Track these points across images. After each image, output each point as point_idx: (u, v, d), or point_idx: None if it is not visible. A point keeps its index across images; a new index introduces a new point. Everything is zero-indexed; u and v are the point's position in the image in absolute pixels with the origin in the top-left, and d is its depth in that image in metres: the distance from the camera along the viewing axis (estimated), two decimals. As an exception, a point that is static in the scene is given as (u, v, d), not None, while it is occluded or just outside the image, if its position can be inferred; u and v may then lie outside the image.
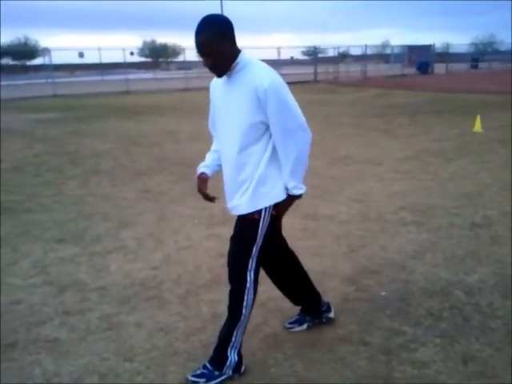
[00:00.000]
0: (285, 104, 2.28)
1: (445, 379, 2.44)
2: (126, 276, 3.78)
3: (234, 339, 2.51)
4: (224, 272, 3.79)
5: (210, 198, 2.64)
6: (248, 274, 2.48)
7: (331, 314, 2.98)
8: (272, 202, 2.42)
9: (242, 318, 2.50)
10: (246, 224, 2.46)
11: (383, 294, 3.33)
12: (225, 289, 3.49)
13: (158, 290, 3.53)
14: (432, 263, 3.79)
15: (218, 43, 2.21)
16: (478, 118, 9.91)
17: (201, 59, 2.29)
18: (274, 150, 2.37)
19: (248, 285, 2.48)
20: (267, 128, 2.34)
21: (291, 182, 2.40)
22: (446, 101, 15.98)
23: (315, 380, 2.49)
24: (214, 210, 5.19)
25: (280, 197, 2.43)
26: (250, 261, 2.47)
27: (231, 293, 2.55)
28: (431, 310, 3.09)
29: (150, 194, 6.07)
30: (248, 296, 2.49)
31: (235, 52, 2.29)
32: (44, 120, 13.65)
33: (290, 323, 2.96)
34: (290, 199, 2.47)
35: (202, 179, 2.63)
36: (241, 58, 2.31)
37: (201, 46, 2.23)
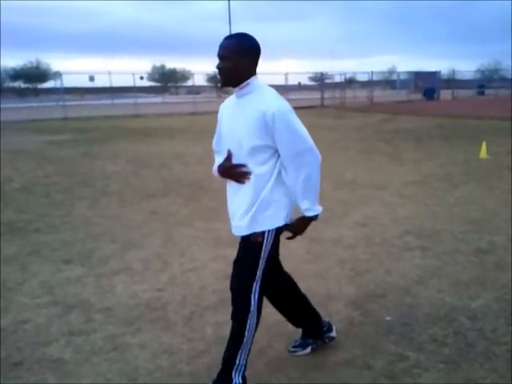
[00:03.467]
0: (293, 128, 2.33)
1: (448, 405, 2.44)
2: (132, 297, 3.81)
3: (238, 362, 2.52)
4: (229, 293, 3.83)
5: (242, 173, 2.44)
6: (252, 297, 2.49)
7: (333, 333, 2.99)
8: (274, 226, 2.45)
9: (245, 341, 2.51)
10: (249, 247, 2.48)
11: (388, 318, 3.33)
12: (230, 311, 3.52)
13: (163, 312, 3.55)
14: (436, 288, 3.79)
15: (238, 53, 2.30)
16: (484, 144, 9.95)
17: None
18: (280, 174, 2.41)
19: (251, 308, 2.49)
20: (273, 152, 2.38)
21: (304, 204, 2.42)
22: (453, 126, 16.07)
23: (318, 404, 2.49)
24: (220, 232, 5.25)
25: (283, 221, 2.46)
26: (254, 284, 2.49)
27: (234, 316, 2.56)
28: (435, 336, 3.08)
29: (158, 215, 6.13)
30: (251, 320, 2.50)
31: (250, 72, 2.36)
32: (55, 142, 13.86)
33: (293, 347, 2.96)
34: (305, 221, 2.49)
35: (227, 158, 2.50)
36: (252, 80, 2.38)
37: (222, 48, 2.33)
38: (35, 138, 14.62)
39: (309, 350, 2.93)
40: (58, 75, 29.09)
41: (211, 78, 51.17)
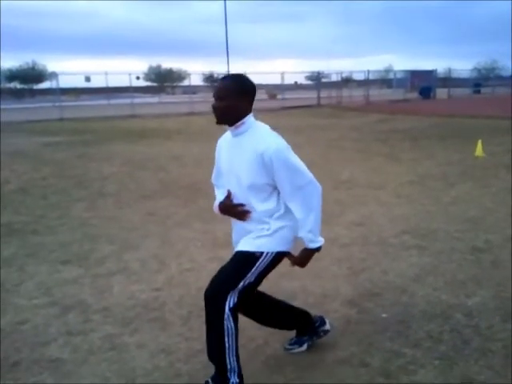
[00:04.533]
0: (292, 166, 2.38)
1: (444, 402, 2.46)
2: (129, 297, 3.82)
3: (229, 366, 2.48)
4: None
5: (242, 212, 2.53)
6: (226, 304, 2.42)
7: (327, 327, 3.00)
8: (276, 250, 2.47)
9: (227, 346, 2.45)
10: (243, 258, 2.49)
11: (384, 316, 3.36)
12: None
13: (161, 312, 3.57)
14: (433, 286, 3.81)
15: (234, 94, 2.37)
16: (480, 142, 10.00)
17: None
18: (284, 207, 2.47)
19: (226, 314, 2.42)
20: (274, 189, 2.44)
21: (308, 236, 2.46)
22: (449, 126, 16.12)
23: (315, 402, 2.51)
24: (217, 233, 5.26)
25: (285, 248, 2.51)
26: (231, 294, 2.42)
27: (209, 325, 2.50)
28: (431, 333, 3.11)
29: (155, 216, 6.14)
30: (228, 324, 2.43)
31: (244, 112, 2.42)
32: (51, 143, 13.85)
33: (289, 344, 2.98)
34: (308, 252, 2.52)
35: (227, 197, 2.59)
36: (247, 119, 2.44)
37: (220, 89, 2.39)
38: (32, 140, 14.60)
39: (305, 347, 2.95)
40: (53, 76, 29.07)
41: (207, 78, 51.21)
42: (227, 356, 2.47)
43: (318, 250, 2.53)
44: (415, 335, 3.09)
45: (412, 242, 4.86)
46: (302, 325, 2.94)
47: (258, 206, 2.45)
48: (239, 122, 2.43)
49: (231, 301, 2.43)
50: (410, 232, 5.18)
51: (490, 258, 4.37)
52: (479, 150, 9.90)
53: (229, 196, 2.54)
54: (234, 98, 2.37)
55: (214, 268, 4.30)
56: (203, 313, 3.47)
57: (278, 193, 2.46)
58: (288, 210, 2.46)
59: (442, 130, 14.96)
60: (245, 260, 2.47)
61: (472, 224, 5.42)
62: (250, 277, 2.45)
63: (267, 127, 2.49)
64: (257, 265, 2.45)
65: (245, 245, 2.51)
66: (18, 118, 22.06)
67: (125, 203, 6.86)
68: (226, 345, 2.46)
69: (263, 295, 2.81)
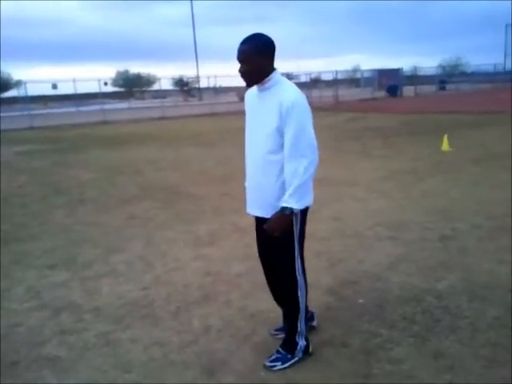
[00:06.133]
0: (301, 123, 2.54)
1: (418, 373, 2.70)
2: (118, 297, 3.96)
3: (299, 329, 2.82)
4: (213, 289, 4.03)
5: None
6: (297, 274, 2.76)
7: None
8: (299, 208, 2.61)
9: (301, 310, 2.79)
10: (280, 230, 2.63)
11: (361, 301, 3.60)
12: (214, 304, 3.74)
13: (150, 309, 3.72)
14: (405, 273, 4.08)
15: (255, 55, 2.53)
16: (445, 137, 10.41)
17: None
18: None
19: (299, 283, 2.76)
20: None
21: (285, 195, 2.55)
22: (417, 122, 16.61)
23: (302, 380, 2.72)
24: (199, 232, 5.44)
25: (307, 202, 2.66)
26: (295, 263, 2.73)
27: (285, 295, 2.84)
28: (405, 314, 3.36)
29: (137, 220, 6.26)
30: (301, 292, 2.78)
31: (269, 69, 2.59)
32: (25, 152, 13.75)
33: (275, 330, 3.18)
34: (279, 215, 2.57)
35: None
36: (274, 75, 2.61)
37: (240, 53, 2.55)
38: (3, 150, 14.43)
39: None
40: (20, 84, 28.66)
41: (177, 82, 51.02)
42: (299, 320, 2.80)
43: (288, 213, 2.55)
44: (391, 317, 3.34)
45: (385, 234, 5.13)
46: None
47: (274, 154, 2.58)
48: (266, 79, 2.59)
49: (299, 268, 2.76)
50: (383, 224, 5.45)
51: (457, 245, 4.67)
52: (445, 145, 10.31)
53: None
54: (257, 59, 2.53)
55: (198, 266, 4.52)
56: (192, 307, 3.70)
57: None
58: None
59: (411, 126, 15.42)
60: (283, 234, 2.64)
61: (441, 215, 5.73)
62: (296, 241, 2.71)
63: (293, 84, 2.66)
64: (294, 230, 2.67)
65: (271, 211, 2.64)
66: (-14, 128, 21.68)
67: (105, 208, 6.96)
68: (300, 310, 2.78)
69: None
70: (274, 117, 2.54)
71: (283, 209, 2.57)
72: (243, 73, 2.61)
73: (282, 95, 2.55)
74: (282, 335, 3.11)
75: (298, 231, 2.71)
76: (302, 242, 2.78)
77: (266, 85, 2.62)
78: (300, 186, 2.55)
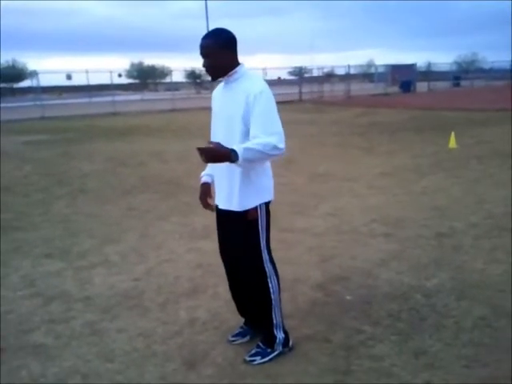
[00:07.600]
0: (268, 111, 2.53)
1: (398, 371, 2.70)
2: (110, 288, 4.00)
3: (275, 321, 2.82)
4: (203, 281, 4.05)
5: (209, 207, 2.90)
6: (265, 265, 2.77)
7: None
8: (264, 200, 2.69)
9: (273, 302, 2.80)
10: (246, 224, 2.70)
11: (348, 298, 3.59)
12: (203, 296, 3.77)
13: (139, 300, 3.76)
14: (396, 270, 4.06)
15: (217, 49, 2.56)
16: (453, 134, 10.31)
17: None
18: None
19: (268, 274, 2.77)
20: None
21: (241, 149, 2.38)
22: (427, 118, 16.46)
23: (281, 374, 2.73)
24: (195, 225, 5.47)
25: (270, 196, 2.73)
26: (263, 254, 2.75)
27: (252, 287, 2.82)
28: (391, 312, 3.35)
29: (135, 211, 6.30)
30: (272, 282, 2.79)
31: (233, 62, 2.62)
32: (33, 142, 13.87)
33: (232, 336, 3.09)
34: (224, 150, 2.39)
35: (205, 188, 2.94)
36: (239, 68, 2.64)
37: (202, 48, 2.59)
38: (13, 139, 14.58)
39: (248, 338, 3.06)
40: (34, 74, 28.84)
41: (189, 75, 51.01)
42: (272, 311, 2.80)
43: (229, 155, 2.37)
44: (376, 314, 3.33)
45: (381, 230, 5.11)
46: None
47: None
48: (232, 72, 2.62)
49: (266, 259, 2.78)
50: (379, 221, 5.43)
51: (452, 243, 4.63)
52: (452, 142, 10.21)
53: (206, 190, 2.90)
54: (219, 52, 2.56)
55: (191, 258, 4.54)
56: (180, 299, 3.72)
57: None
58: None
59: (419, 122, 15.29)
60: (249, 225, 2.70)
61: (439, 212, 5.69)
62: (263, 232, 2.74)
63: (259, 76, 2.70)
64: (259, 222, 2.72)
65: (237, 205, 2.69)
66: (-1, 118, 21.91)
67: (105, 199, 7.01)
68: (272, 301, 2.80)
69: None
70: (240, 106, 2.55)
71: (231, 150, 2.38)
72: (207, 67, 2.63)
73: (249, 86, 2.57)
74: (241, 341, 3.07)
75: (264, 223, 2.73)
76: (267, 233, 2.78)
77: (232, 77, 2.64)
78: (257, 151, 2.41)
